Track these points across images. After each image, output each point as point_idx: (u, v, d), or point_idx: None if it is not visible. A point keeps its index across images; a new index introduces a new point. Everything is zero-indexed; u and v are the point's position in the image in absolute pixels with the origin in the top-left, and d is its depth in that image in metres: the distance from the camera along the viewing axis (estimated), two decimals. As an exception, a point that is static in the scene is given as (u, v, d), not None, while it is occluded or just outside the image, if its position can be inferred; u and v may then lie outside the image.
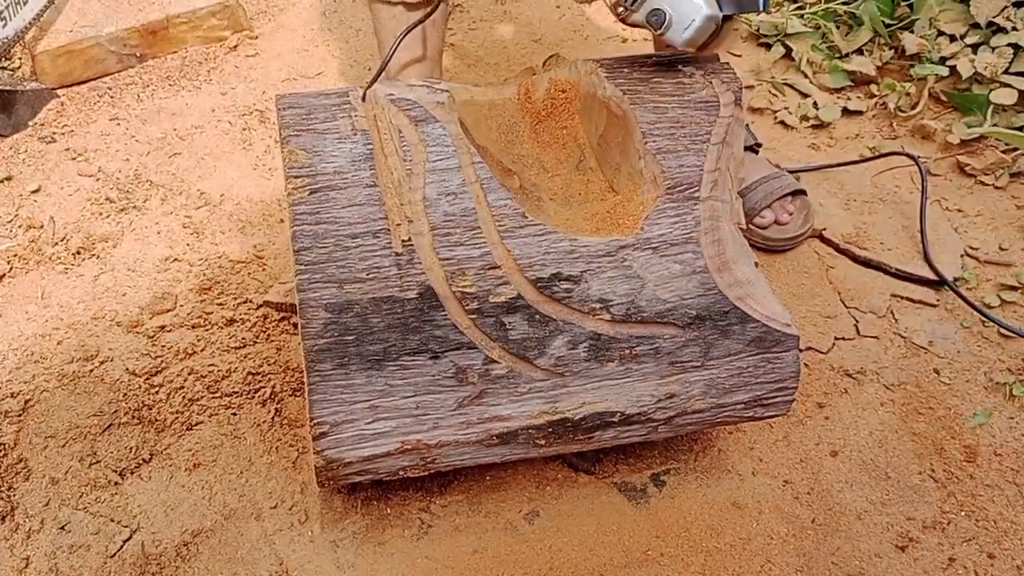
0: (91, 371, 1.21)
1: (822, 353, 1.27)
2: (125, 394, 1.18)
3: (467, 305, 0.91)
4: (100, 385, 1.19)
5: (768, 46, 1.81)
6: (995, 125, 1.55)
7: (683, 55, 1.07)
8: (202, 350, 1.24)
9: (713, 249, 0.97)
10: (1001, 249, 1.41)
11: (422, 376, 0.91)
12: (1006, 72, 1.57)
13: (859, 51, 1.74)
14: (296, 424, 1.16)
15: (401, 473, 0.96)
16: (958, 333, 1.30)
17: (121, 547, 1.03)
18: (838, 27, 1.78)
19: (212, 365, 1.22)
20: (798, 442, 1.17)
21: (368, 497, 1.09)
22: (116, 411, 1.16)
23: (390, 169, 0.94)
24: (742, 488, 1.12)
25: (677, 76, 1.07)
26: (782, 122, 1.66)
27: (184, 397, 1.18)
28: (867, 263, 1.38)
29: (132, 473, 1.11)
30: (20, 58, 1.76)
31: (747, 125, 1.44)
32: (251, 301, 1.30)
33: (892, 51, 1.72)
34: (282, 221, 1.45)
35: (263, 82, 1.76)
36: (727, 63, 1.10)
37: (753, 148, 1.44)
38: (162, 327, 1.27)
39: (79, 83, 1.73)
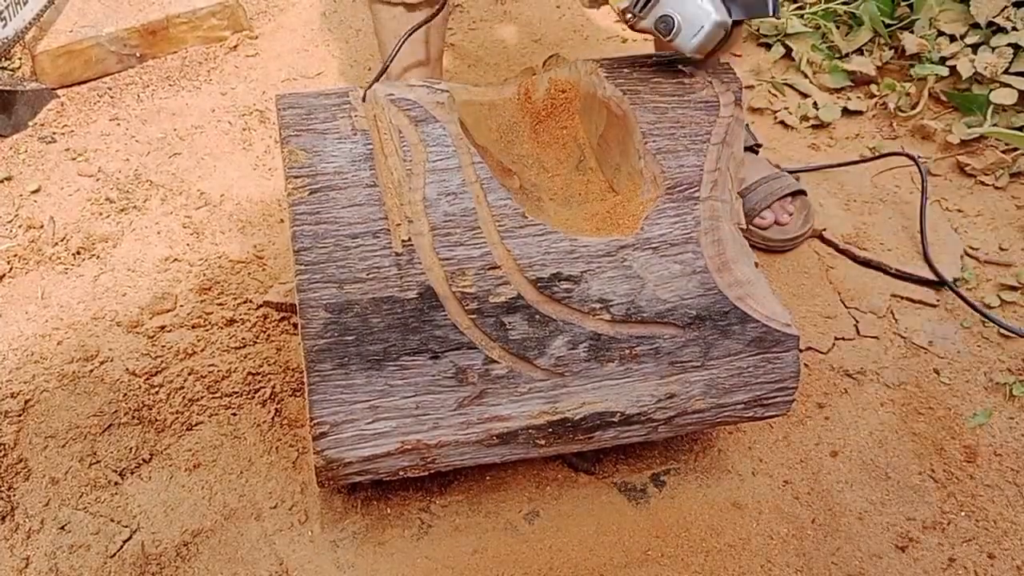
0: (91, 371, 1.21)
1: (822, 353, 1.27)
2: (125, 394, 1.18)
3: (467, 305, 0.91)
4: (100, 385, 1.19)
5: (768, 46, 1.81)
6: (995, 125, 1.55)
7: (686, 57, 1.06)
8: (202, 350, 1.24)
9: (713, 249, 0.97)
10: (1001, 249, 1.41)
11: (422, 376, 0.91)
12: (1006, 72, 1.57)
13: (859, 51, 1.74)
14: (296, 424, 1.16)
15: (401, 473, 0.96)
16: (958, 333, 1.30)
17: (121, 547, 1.03)
18: (838, 27, 1.78)
19: (212, 365, 1.22)
20: (798, 442, 1.17)
21: (368, 497, 1.09)
22: (116, 411, 1.16)
23: (390, 169, 0.94)
24: (742, 488, 1.12)
25: (677, 76, 1.07)
26: (782, 122, 1.66)
27: (184, 397, 1.18)
28: (867, 263, 1.38)
29: (132, 473, 1.11)
30: (20, 58, 1.76)
31: (747, 125, 1.44)
32: (251, 301, 1.30)
33: (892, 51, 1.72)
34: (282, 221, 1.45)
35: (263, 82, 1.76)
36: (727, 63, 1.10)
37: (753, 148, 1.44)
38: (162, 327, 1.27)
39: (79, 83, 1.73)
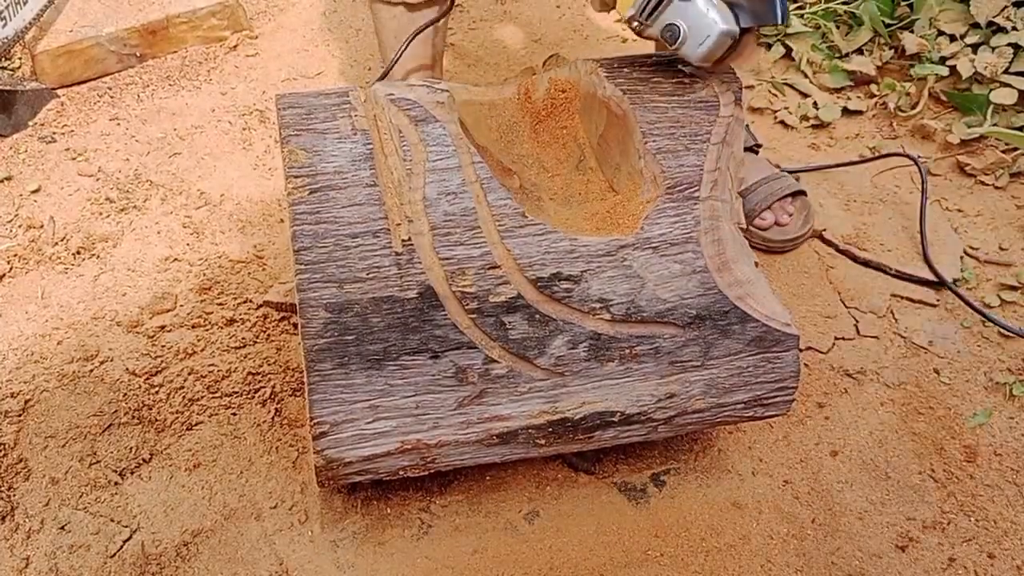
0: (91, 371, 1.21)
1: (822, 353, 1.27)
2: (125, 394, 1.18)
3: (467, 305, 0.91)
4: (100, 385, 1.19)
5: (768, 46, 1.81)
6: (995, 125, 1.55)
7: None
8: (202, 350, 1.24)
9: (713, 249, 0.97)
10: (1001, 249, 1.41)
11: (422, 376, 0.91)
12: (1006, 72, 1.57)
13: (859, 51, 1.74)
14: (296, 424, 1.16)
15: (401, 473, 0.96)
16: (958, 333, 1.30)
17: (121, 547, 1.03)
18: (838, 27, 1.78)
19: (212, 365, 1.22)
20: (798, 442, 1.17)
21: (368, 497, 1.09)
22: (116, 411, 1.16)
23: (390, 169, 0.94)
24: (742, 488, 1.12)
25: (677, 76, 1.07)
26: (782, 122, 1.66)
27: (184, 397, 1.18)
28: (867, 264, 1.38)
29: (132, 473, 1.11)
30: (20, 58, 1.76)
31: (747, 125, 1.44)
32: (251, 301, 1.30)
33: (892, 51, 1.72)
34: (282, 221, 1.45)
35: (263, 82, 1.76)
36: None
37: (753, 149, 1.44)
38: (162, 327, 1.27)
39: (79, 83, 1.73)
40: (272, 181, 1.53)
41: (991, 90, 1.55)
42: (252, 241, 1.41)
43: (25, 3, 1.67)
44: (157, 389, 1.19)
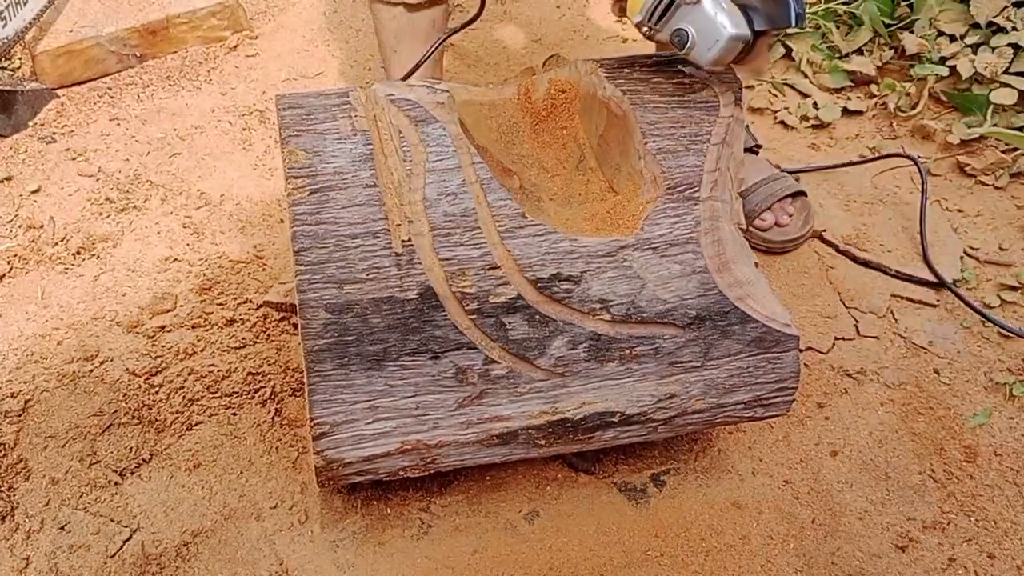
0: (91, 371, 1.21)
1: (822, 353, 1.27)
2: (125, 394, 1.18)
3: (467, 305, 0.91)
4: (100, 385, 1.19)
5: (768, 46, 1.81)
6: (995, 125, 1.55)
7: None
8: (202, 350, 1.24)
9: (713, 249, 0.97)
10: (1001, 249, 1.41)
11: (422, 376, 0.91)
12: (1006, 72, 1.57)
13: (859, 51, 1.74)
14: (296, 424, 1.16)
15: (401, 473, 0.96)
16: (958, 333, 1.30)
17: (121, 547, 1.03)
18: (838, 27, 1.78)
19: (212, 365, 1.22)
20: (798, 442, 1.17)
21: (368, 497, 1.09)
22: (116, 411, 1.16)
23: (390, 169, 0.94)
24: (742, 488, 1.12)
25: (677, 76, 1.07)
26: (782, 122, 1.66)
27: (184, 397, 1.18)
28: (867, 264, 1.38)
29: (132, 473, 1.11)
30: (20, 58, 1.76)
31: (747, 126, 1.44)
32: (251, 301, 1.30)
33: (892, 51, 1.72)
34: (282, 221, 1.45)
35: (263, 82, 1.76)
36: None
37: (753, 149, 1.44)
38: (162, 327, 1.27)
39: (79, 83, 1.73)
40: (272, 181, 1.53)
41: (991, 90, 1.56)
42: (252, 241, 1.41)
43: (25, 3, 1.67)
44: (157, 389, 1.19)
